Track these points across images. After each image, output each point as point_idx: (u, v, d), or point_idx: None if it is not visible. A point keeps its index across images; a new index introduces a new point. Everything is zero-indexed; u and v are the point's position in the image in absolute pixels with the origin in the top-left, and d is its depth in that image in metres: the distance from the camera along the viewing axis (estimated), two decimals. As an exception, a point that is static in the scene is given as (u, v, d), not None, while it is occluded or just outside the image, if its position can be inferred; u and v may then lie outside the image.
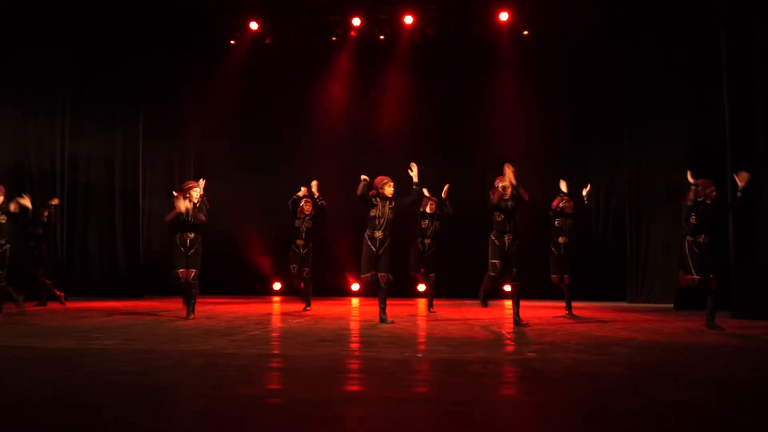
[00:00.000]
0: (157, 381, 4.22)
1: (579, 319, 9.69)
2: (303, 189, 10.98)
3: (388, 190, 8.48)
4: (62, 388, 3.94)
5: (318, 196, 10.89)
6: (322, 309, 11.66)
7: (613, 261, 14.18)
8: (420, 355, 5.45)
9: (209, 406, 3.56)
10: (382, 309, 8.67)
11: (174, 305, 11.78)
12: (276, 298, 15.22)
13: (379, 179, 8.61)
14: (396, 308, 11.90)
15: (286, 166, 15.94)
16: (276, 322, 8.91)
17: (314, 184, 10.81)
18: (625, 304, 13.49)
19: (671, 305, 12.63)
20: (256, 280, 16.04)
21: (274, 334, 7.18)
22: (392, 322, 8.53)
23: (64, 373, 4.45)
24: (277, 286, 16.17)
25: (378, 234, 8.43)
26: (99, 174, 14.57)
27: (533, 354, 5.63)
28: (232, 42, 15.66)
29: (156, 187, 15.60)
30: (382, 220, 8.43)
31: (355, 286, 16.10)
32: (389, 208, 8.43)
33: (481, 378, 4.50)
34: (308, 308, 11.00)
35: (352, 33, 15.58)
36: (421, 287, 15.84)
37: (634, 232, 13.86)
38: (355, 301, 14.67)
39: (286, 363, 5.08)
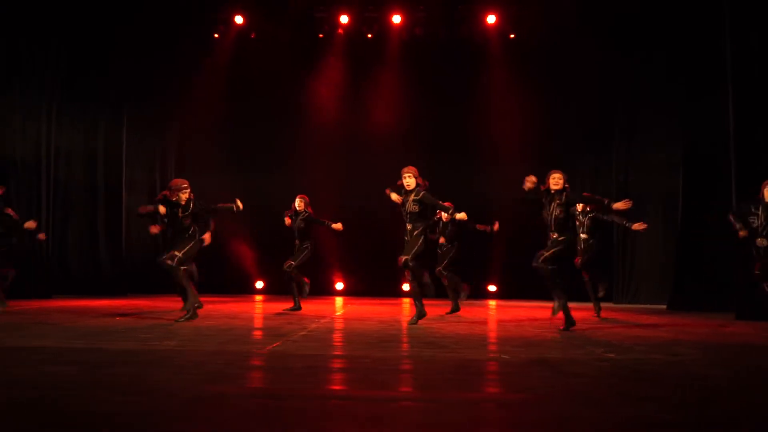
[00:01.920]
0: (292, 386, 4.12)
1: (593, 321, 9.85)
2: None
3: (406, 182, 8.22)
4: (211, 393, 3.81)
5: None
6: (325, 309, 11.56)
7: (599, 261, 14.48)
8: (506, 357, 5.46)
9: (379, 410, 3.50)
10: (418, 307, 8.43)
11: (168, 304, 11.45)
12: (259, 297, 15.02)
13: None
14: (391, 308, 11.95)
15: (270, 163, 15.79)
16: (305, 322, 8.78)
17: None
18: (611, 305, 13.78)
19: (659, 306, 13.02)
20: (238, 278, 15.79)
21: (326, 335, 7.07)
22: (414, 324, 8.28)
23: (187, 377, 4.30)
24: (259, 284, 15.95)
25: (408, 226, 8.31)
26: (81, 169, 14.15)
27: (611, 354, 5.71)
28: (216, 36, 15.39)
29: (139, 183, 15.23)
30: (405, 213, 8.29)
31: (339, 285, 16.01)
32: (412, 201, 8.24)
33: (594, 379, 4.53)
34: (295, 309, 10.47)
35: (340, 30, 15.51)
36: (405, 287, 15.89)
37: (621, 233, 14.16)
38: (339, 300, 14.61)
39: (378, 363, 5.02)
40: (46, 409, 3.36)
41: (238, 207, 8.53)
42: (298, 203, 10.52)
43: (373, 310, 11.40)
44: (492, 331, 7.65)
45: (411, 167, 8.35)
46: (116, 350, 5.49)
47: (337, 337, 6.87)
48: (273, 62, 15.46)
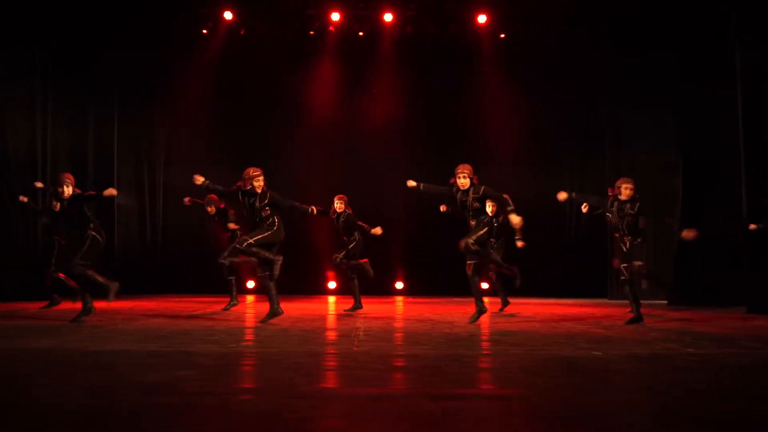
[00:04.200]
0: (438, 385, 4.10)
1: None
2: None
3: (461, 181, 8.01)
4: (368, 394, 3.78)
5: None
6: (333, 308, 11.45)
7: (593, 259, 14.80)
8: (600, 354, 5.52)
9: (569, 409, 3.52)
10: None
11: (175, 305, 11.20)
12: (251, 297, 14.80)
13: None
14: (391, 306, 11.95)
15: (261, 161, 15.41)
16: (348, 321, 8.71)
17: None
18: (606, 301, 14.06)
19: (654, 301, 13.32)
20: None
21: (389, 334, 7.01)
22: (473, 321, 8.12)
23: (328, 377, 4.24)
24: (250, 284, 15.73)
25: (472, 222, 8.17)
26: (72, 166, 13.64)
27: (690, 349, 5.84)
28: (204, 31, 15.13)
29: (127, 180, 14.86)
30: (468, 211, 8.15)
31: (332, 284, 15.89)
32: (473, 198, 8.08)
33: (707, 373, 4.64)
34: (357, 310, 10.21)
35: (331, 28, 15.40)
36: (399, 285, 15.90)
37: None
38: (331, 299, 14.50)
39: (490, 361, 5.02)
40: (236, 412, 3.28)
41: (312, 211, 8.48)
42: (338, 205, 10.27)
43: (383, 309, 11.38)
44: (550, 329, 7.70)
45: (466, 165, 8.15)
46: (209, 353, 5.35)
47: (401, 335, 6.83)
48: (263, 59, 15.35)
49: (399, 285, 15.85)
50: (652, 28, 13.78)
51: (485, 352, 5.54)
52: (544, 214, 15.35)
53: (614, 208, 8.25)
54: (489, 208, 10.10)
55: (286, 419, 3.17)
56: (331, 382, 4.24)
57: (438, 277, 15.31)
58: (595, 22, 14.41)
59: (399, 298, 14.87)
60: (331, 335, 6.79)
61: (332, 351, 5.58)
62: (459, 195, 8.12)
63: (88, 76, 13.88)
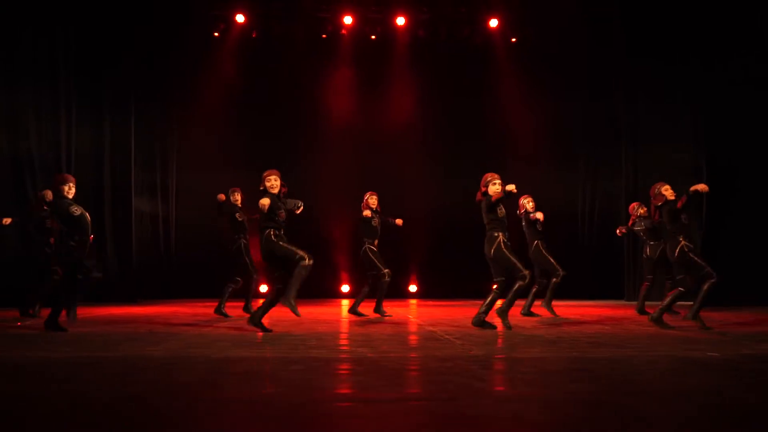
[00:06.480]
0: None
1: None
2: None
3: (497, 188, 7.59)
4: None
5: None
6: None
7: (610, 260, 15.00)
8: (717, 354, 5.60)
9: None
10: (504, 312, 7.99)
11: (203, 310, 11.03)
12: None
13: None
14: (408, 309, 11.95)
15: (273, 164, 15.38)
16: (403, 326, 8.70)
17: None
18: (624, 302, 14.23)
19: (681, 302, 13.55)
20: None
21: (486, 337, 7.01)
22: (510, 328, 7.73)
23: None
24: (263, 288, 15.55)
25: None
26: (87, 170, 13.39)
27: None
28: (216, 34, 15.04)
29: (141, 183, 14.59)
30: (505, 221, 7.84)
31: (345, 288, 15.82)
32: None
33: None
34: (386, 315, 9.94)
35: (343, 31, 15.40)
36: (413, 287, 15.91)
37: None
38: (345, 302, 14.42)
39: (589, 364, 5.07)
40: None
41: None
42: (374, 201, 9.83)
43: (405, 312, 11.36)
44: (625, 331, 7.79)
45: (495, 174, 7.80)
46: (339, 359, 5.31)
47: (494, 338, 6.84)
48: (276, 62, 15.36)
49: (413, 288, 15.87)
50: (669, 29, 13.97)
51: (604, 356, 5.56)
52: (558, 214, 15.57)
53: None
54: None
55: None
56: (500, 385, 4.24)
57: (450, 281, 15.39)
58: (609, 24, 14.68)
59: (413, 301, 14.87)
60: (420, 339, 6.79)
61: (442, 355, 5.54)
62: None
63: (103, 80, 13.65)
